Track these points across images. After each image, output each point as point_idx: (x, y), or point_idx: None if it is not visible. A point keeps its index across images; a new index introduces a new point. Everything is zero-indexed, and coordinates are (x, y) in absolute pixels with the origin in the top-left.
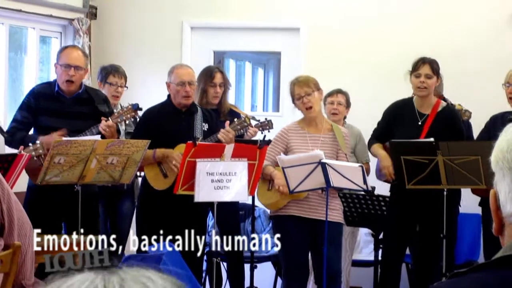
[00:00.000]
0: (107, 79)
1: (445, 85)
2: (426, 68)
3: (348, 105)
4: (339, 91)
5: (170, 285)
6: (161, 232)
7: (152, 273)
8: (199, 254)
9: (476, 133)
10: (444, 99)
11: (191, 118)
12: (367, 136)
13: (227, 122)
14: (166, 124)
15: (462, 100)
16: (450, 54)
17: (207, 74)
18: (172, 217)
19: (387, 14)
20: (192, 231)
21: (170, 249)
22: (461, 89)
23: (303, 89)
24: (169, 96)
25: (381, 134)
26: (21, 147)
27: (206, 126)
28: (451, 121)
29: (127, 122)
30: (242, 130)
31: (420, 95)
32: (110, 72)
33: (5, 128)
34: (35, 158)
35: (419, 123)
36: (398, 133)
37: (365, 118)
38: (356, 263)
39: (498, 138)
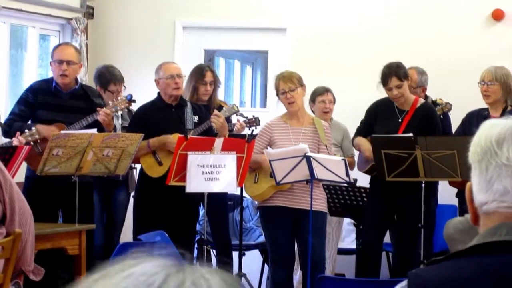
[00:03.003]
0: (108, 88)
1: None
2: (394, 80)
3: (334, 101)
4: (328, 90)
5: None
6: (157, 221)
7: (213, 277)
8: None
9: (454, 127)
10: (426, 96)
11: (181, 112)
12: (351, 131)
13: (215, 111)
14: (158, 119)
15: (442, 95)
16: (430, 53)
17: (198, 72)
18: (167, 207)
19: (370, 15)
20: (184, 221)
21: (162, 237)
22: (441, 86)
23: (287, 85)
24: (159, 93)
25: (364, 130)
26: (18, 133)
27: (196, 118)
28: (428, 116)
29: (120, 113)
30: (230, 117)
31: (398, 102)
32: (110, 80)
33: (2, 121)
34: (31, 143)
35: (399, 120)
36: (379, 128)
37: (349, 114)
38: (339, 251)
39: (474, 134)
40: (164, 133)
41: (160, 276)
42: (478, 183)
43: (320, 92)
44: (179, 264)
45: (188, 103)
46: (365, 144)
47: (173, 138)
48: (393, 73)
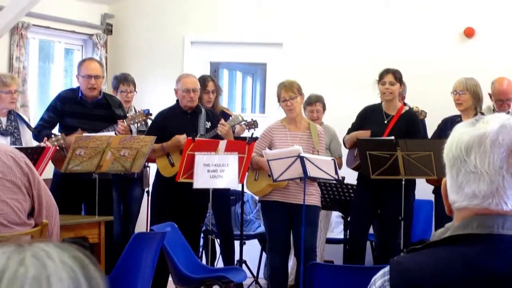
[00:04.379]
0: (119, 88)
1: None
2: (389, 76)
3: (324, 108)
4: (317, 100)
5: (68, 258)
6: (170, 213)
7: (51, 248)
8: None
9: (429, 132)
10: (404, 104)
11: (195, 118)
12: (341, 134)
13: (222, 120)
14: (174, 124)
15: (419, 103)
16: (410, 66)
17: (201, 83)
18: (179, 202)
19: (357, 32)
20: (193, 215)
21: (171, 228)
22: (419, 95)
23: (288, 94)
24: (177, 100)
25: (354, 131)
26: (45, 138)
27: (209, 124)
28: (411, 122)
29: (139, 125)
30: (235, 126)
31: (386, 99)
32: (120, 81)
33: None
34: (57, 148)
35: (385, 122)
36: (367, 129)
37: (339, 119)
38: (329, 241)
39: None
40: None
41: (1, 260)
42: (450, 185)
43: (309, 102)
44: (20, 246)
45: (203, 110)
46: (358, 132)
47: (184, 137)
48: (390, 71)
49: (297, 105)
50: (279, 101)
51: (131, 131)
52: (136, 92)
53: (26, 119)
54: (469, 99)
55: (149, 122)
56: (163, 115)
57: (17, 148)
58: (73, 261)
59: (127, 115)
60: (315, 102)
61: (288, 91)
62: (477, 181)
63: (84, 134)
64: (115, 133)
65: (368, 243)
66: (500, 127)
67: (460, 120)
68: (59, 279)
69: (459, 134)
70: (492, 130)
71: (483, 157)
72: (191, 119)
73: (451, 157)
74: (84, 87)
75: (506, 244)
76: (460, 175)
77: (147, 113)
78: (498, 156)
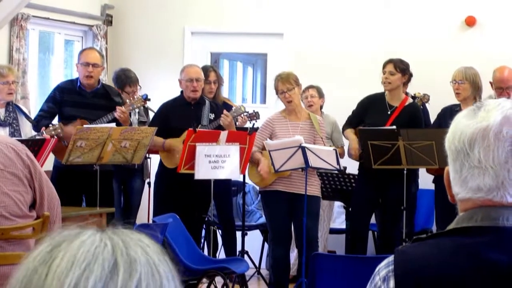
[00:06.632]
0: (124, 89)
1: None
2: (390, 66)
3: (320, 95)
4: (309, 87)
5: (159, 250)
6: (173, 204)
7: (145, 238)
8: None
9: (432, 117)
10: (406, 93)
11: (199, 109)
12: (341, 124)
13: (225, 111)
14: (178, 115)
15: (421, 92)
16: (411, 55)
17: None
18: (182, 192)
19: (358, 21)
20: (197, 206)
21: (173, 219)
22: (420, 84)
23: (285, 86)
24: (182, 91)
25: (354, 121)
26: (43, 128)
27: (212, 116)
28: (414, 114)
29: (137, 110)
30: (238, 117)
31: (385, 88)
32: (125, 83)
33: (32, 117)
34: (54, 136)
35: (389, 112)
36: (369, 119)
37: (339, 109)
38: (330, 231)
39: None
40: (182, 127)
41: (106, 238)
42: (453, 178)
43: (303, 90)
44: (102, 230)
45: (207, 101)
46: (352, 142)
47: (180, 150)
48: (392, 61)
49: (295, 96)
50: (277, 93)
51: (131, 123)
52: (141, 87)
53: (26, 111)
54: (468, 89)
55: (149, 111)
56: (167, 105)
57: (18, 139)
58: (163, 252)
59: (130, 111)
60: (308, 89)
61: (285, 83)
62: (481, 175)
63: (85, 126)
64: (114, 117)
65: (370, 233)
66: (503, 119)
67: (460, 109)
68: (163, 269)
69: (462, 126)
70: (495, 122)
71: (487, 151)
72: (195, 110)
73: (454, 149)
74: (82, 75)
75: (510, 236)
76: (464, 170)
77: (145, 98)
78: (503, 150)
